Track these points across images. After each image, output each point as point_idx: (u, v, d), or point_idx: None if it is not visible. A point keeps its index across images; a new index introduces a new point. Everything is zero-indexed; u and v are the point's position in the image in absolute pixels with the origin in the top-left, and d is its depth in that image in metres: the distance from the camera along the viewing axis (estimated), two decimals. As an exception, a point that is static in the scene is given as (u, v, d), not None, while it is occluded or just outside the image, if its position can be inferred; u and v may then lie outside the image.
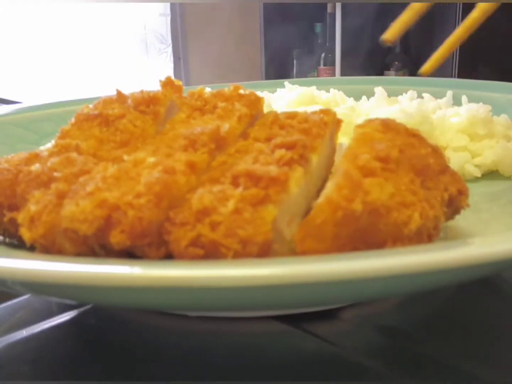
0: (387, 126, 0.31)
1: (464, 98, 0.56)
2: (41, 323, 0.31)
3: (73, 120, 0.37)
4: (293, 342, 0.29)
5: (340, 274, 0.20)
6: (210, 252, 0.25)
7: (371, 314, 0.31)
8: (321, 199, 0.26)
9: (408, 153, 0.29)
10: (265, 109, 0.40)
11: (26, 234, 0.27)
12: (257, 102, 0.38)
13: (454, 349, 0.28)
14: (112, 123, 0.36)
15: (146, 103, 0.37)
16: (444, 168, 0.31)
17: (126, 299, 0.22)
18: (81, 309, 0.32)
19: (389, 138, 0.29)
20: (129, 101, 0.38)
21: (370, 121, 0.31)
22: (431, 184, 0.29)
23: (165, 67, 2.45)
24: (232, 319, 0.31)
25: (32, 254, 0.28)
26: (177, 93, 0.40)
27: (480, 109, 0.51)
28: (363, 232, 0.25)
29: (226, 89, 0.39)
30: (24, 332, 0.30)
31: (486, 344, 0.28)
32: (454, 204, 0.30)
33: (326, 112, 0.36)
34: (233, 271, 0.20)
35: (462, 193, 0.31)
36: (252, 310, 0.30)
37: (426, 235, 0.27)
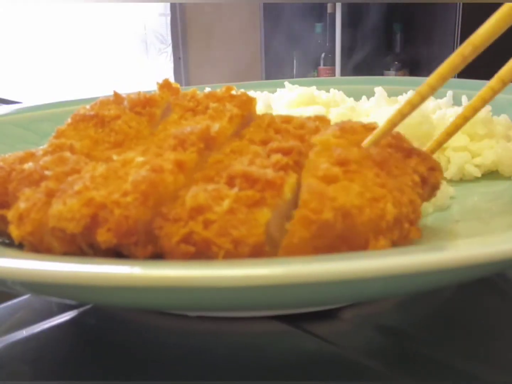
0: (343, 129, 0.30)
1: (464, 98, 0.56)
2: (41, 323, 0.31)
3: (69, 120, 0.37)
4: (293, 342, 0.29)
5: (340, 274, 0.20)
6: (201, 250, 0.25)
7: (371, 314, 0.31)
8: (292, 219, 0.26)
9: (367, 148, 0.29)
10: (265, 109, 0.40)
11: (14, 231, 0.27)
12: (248, 102, 0.38)
13: (454, 349, 0.27)
14: (108, 123, 0.36)
15: (142, 105, 0.37)
16: (409, 151, 0.30)
17: (126, 299, 0.22)
18: (81, 309, 0.32)
19: (346, 140, 0.29)
20: (126, 102, 0.38)
21: (327, 129, 0.31)
22: (398, 172, 0.29)
23: (165, 67, 2.45)
24: (232, 319, 0.31)
25: (24, 253, 0.28)
26: (174, 95, 0.40)
27: (480, 109, 0.51)
28: (343, 237, 0.25)
29: (218, 90, 0.39)
30: (24, 332, 0.30)
31: (486, 344, 0.28)
32: (429, 182, 0.30)
33: (321, 119, 0.36)
34: (233, 271, 0.20)
35: (434, 168, 0.30)
36: (252, 310, 0.30)
37: (407, 221, 0.27)
